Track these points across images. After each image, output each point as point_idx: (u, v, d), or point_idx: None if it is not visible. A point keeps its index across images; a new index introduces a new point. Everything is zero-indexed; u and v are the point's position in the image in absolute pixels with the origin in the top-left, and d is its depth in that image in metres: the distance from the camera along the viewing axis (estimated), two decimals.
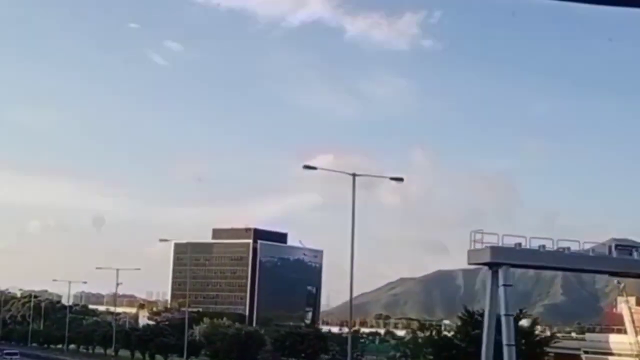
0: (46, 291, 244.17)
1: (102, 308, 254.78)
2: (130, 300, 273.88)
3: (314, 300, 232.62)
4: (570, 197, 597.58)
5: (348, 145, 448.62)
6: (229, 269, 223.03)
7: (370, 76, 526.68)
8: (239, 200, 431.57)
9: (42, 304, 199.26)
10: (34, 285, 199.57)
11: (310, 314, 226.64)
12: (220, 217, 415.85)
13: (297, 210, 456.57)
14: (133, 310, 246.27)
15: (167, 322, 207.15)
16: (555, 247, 43.52)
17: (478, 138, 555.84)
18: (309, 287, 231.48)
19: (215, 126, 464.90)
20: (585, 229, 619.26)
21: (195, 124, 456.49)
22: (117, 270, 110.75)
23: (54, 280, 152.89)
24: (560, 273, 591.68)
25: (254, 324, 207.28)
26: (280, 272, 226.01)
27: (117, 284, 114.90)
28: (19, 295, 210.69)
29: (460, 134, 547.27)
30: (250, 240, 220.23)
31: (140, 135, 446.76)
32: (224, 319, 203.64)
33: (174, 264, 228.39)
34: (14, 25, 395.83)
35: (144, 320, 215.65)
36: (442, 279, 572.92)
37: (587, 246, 46.41)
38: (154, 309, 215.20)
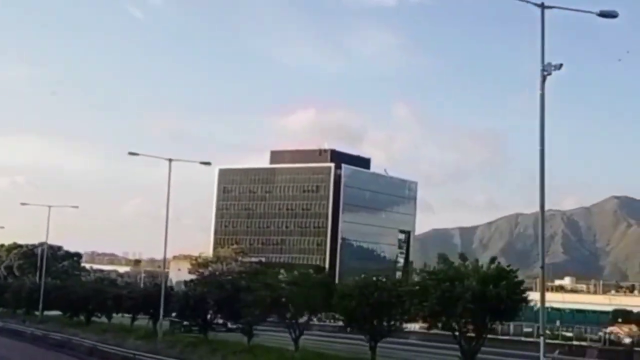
0: None
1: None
2: (111, 258, 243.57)
3: (407, 244, 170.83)
4: (562, 157, 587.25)
5: (331, 101, 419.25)
6: (300, 204, 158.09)
7: (355, 32, 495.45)
8: (215, 157, 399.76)
9: (39, 251, 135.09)
10: None
11: (401, 264, 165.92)
12: (199, 175, 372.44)
13: None
14: (118, 268, 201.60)
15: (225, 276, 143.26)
16: None
17: (465, 95, 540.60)
18: (401, 230, 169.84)
19: (195, 82, 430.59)
20: (576, 187, 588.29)
21: (173, 80, 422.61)
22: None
23: None
24: (560, 232, 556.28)
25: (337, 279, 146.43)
26: (369, 209, 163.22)
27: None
28: None
29: (446, 90, 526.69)
30: (332, 165, 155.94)
31: (115, 89, 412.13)
32: (310, 272, 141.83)
33: (219, 199, 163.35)
34: None
35: (179, 275, 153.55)
36: (438, 237, 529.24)
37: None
38: (198, 261, 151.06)
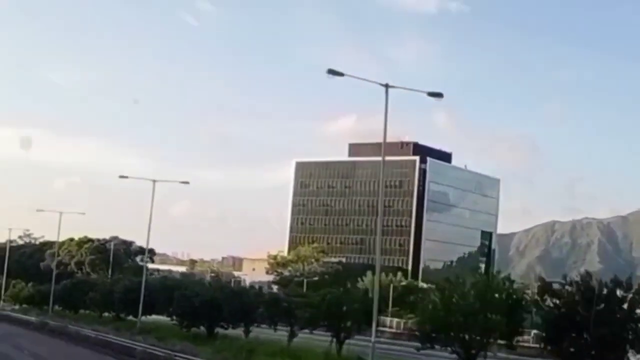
0: None
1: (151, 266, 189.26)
2: (163, 258, 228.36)
3: (489, 246, 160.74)
4: (594, 164, 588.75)
5: (371, 108, 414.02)
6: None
7: (397, 39, 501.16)
8: (264, 163, 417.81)
9: (110, 246, 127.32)
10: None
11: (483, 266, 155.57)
12: (246, 179, 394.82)
13: None
14: (172, 267, 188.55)
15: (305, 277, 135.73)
16: None
17: (500, 101, 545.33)
18: (483, 231, 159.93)
19: (241, 87, 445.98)
20: (613, 195, 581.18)
21: (222, 85, 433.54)
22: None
23: None
24: (596, 240, 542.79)
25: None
26: (453, 207, 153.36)
27: None
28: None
29: (482, 97, 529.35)
30: (417, 158, 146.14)
31: (168, 95, 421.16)
32: (399, 274, 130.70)
33: (295, 194, 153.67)
34: None
35: (253, 276, 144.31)
36: None
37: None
38: (276, 260, 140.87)
